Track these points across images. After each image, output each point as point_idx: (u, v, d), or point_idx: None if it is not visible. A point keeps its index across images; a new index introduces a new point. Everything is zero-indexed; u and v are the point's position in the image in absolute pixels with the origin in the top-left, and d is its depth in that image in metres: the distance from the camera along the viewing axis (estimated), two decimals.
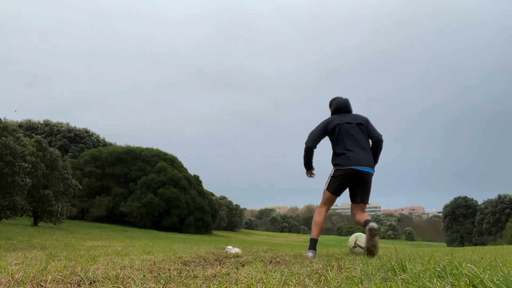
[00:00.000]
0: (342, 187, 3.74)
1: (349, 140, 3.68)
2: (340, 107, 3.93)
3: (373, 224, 3.30)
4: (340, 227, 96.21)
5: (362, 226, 3.57)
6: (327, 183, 3.77)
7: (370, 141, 3.86)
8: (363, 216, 3.61)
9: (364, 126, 3.80)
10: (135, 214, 35.50)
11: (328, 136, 3.87)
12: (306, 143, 3.91)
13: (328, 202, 3.80)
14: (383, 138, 3.83)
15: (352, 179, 3.64)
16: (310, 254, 3.45)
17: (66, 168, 20.06)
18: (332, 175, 3.73)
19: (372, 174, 3.68)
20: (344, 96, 4.06)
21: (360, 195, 3.72)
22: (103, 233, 18.80)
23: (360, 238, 3.86)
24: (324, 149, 4.13)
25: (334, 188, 3.71)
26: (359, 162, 3.58)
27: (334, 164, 3.74)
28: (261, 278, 1.64)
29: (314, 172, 4.05)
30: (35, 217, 18.64)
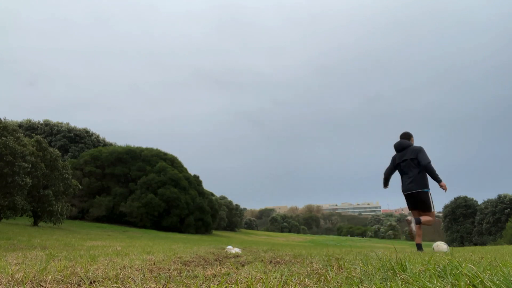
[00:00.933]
0: (408, 203, 5.50)
1: (403, 174, 5.46)
2: (396, 148, 5.54)
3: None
4: (340, 227, 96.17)
5: None
6: None
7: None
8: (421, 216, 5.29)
9: (415, 159, 5.22)
10: (135, 214, 35.49)
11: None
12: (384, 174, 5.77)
13: (412, 213, 5.52)
14: (429, 164, 5.24)
15: (408, 198, 5.49)
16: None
17: (66, 168, 20.04)
18: None
19: (419, 192, 5.24)
20: (406, 130, 5.71)
21: (419, 206, 5.39)
22: (103, 233, 18.79)
23: (439, 243, 5.23)
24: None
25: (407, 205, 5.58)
26: (407, 188, 5.39)
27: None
28: (261, 278, 1.64)
29: (387, 187, 5.77)
30: (35, 217, 18.63)
